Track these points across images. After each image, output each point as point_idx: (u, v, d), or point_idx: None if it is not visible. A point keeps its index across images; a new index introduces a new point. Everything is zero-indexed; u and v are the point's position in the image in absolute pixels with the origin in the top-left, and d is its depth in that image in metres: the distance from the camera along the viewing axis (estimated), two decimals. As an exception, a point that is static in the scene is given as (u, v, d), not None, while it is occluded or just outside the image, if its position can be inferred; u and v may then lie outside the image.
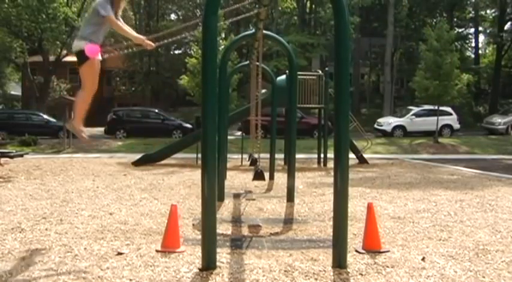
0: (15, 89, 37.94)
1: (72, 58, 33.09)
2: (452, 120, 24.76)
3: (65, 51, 27.50)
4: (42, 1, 22.69)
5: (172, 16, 45.71)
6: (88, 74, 4.72)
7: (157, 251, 4.31)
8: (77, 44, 4.67)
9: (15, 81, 38.58)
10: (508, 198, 7.39)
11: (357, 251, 4.36)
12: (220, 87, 6.72)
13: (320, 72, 13.92)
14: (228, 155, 10.52)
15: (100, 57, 4.74)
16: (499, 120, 26.55)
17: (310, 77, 13.58)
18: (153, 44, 4.96)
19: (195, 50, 21.24)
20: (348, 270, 3.82)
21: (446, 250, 4.44)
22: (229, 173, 10.05)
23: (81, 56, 4.61)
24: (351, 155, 11.89)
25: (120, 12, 4.90)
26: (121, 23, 4.82)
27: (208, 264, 3.82)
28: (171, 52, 41.96)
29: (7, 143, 15.83)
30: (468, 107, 34.21)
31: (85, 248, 4.43)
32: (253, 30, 6.88)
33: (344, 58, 3.88)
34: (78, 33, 4.80)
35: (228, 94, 10.20)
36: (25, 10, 22.87)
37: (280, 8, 34.98)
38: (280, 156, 12.52)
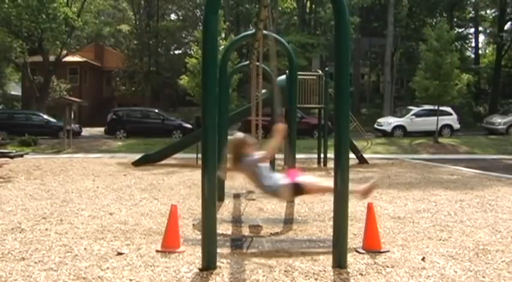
0: (15, 89, 37.91)
1: (72, 58, 33.01)
2: (452, 120, 24.74)
3: (65, 51, 27.47)
4: (42, 1, 22.67)
5: (173, 16, 45.70)
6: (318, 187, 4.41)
7: (157, 251, 4.31)
8: (282, 191, 4.26)
9: (15, 81, 38.56)
10: (508, 198, 7.38)
11: (357, 251, 4.36)
12: (220, 87, 6.71)
13: (320, 72, 13.92)
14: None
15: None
16: (499, 120, 26.53)
17: (310, 77, 13.58)
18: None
19: (195, 50, 21.25)
20: (348, 270, 3.82)
21: (446, 250, 4.44)
22: (229, 173, 10.04)
23: (296, 190, 4.26)
24: (351, 155, 11.88)
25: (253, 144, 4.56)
26: (270, 148, 4.42)
27: (208, 264, 3.82)
28: (171, 52, 41.95)
29: (7, 143, 15.86)
30: (468, 107, 34.22)
31: (85, 248, 4.43)
32: (253, 31, 6.89)
33: (344, 58, 3.88)
34: (267, 190, 4.35)
35: (228, 94, 10.18)
36: (25, 10, 22.84)
37: (280, 8, 34.97)
38: (280, 156, 12.50)
